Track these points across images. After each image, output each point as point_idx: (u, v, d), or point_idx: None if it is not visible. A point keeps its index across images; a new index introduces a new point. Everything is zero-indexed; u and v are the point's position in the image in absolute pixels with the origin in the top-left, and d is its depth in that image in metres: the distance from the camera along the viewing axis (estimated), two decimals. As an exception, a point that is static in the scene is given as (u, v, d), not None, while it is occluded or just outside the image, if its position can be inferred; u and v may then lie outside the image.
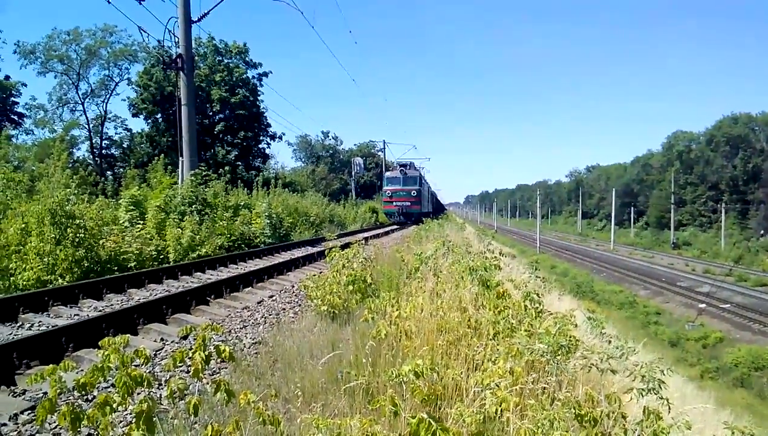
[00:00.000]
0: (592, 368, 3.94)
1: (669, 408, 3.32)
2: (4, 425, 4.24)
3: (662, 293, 44.12)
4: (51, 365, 2.82)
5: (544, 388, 3.84)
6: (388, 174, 46.23)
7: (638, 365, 3.56)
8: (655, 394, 3.35)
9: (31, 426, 4.19)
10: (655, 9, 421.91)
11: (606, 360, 3.92)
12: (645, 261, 65.17)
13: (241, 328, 7.52)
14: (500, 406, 3.27)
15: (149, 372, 5.09)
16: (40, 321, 7.50)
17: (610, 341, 5.24)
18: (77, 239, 11.35)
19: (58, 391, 2.77)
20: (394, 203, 42.95)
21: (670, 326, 34.21)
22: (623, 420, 3.26)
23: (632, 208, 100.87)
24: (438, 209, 79.24)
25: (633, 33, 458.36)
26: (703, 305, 36.62)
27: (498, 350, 4.22)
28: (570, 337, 4.17)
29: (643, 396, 3.39)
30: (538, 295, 5.61)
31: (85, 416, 2.68)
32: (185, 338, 6.58)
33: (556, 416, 3.00)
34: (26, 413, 4.42)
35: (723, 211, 76.71)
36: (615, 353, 4.18)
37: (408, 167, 45.66)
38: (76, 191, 13.96)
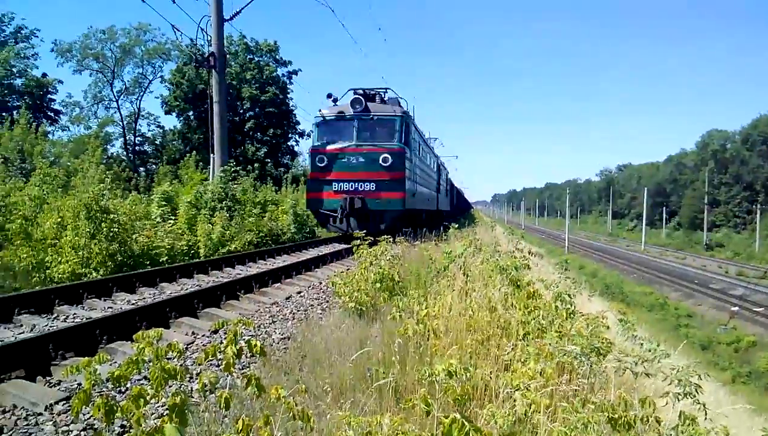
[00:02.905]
0: (625, 371, 3.87)
1: (705, 413, 3.25)
2: (40, 414, 4.34)
3: (694, 295, 43.28)
4: (86, 358, 2.86)
5: (576, 390, 3.79)
6: (325, 112, 19.10)
7: (674, 369, 3.49)
8: (692, 398, 3.28)
9: (66, 416, 4.27)
10: (692, 7, 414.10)
11: (641, 363, 3.85)
12: (676, 262, 64.00)
13: (270, 323, 7.57)
14: (530, 408, 3.24)
15: (181, 365, 5.15)
16: (74, 313, 7.64)
17: (642, 344, 5.16)
18: (111, 234, 11.55)
19: (93, 383, 2.81)
20: (333, 186, 18.12)
21: (702, 329, 33.55)
22: (658, 424, 3.20)
23: (664, 208, 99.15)
24: (461, 208, 68.39)
25: (668, 30, 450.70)
26: (736, 308, 35.81)
27: (528, 350, 4.18)
28: (603, 339, 4.11)
29: (679, 400, 3.32)
30: (569, 296, 5.54)
31: (119, 408, 2.72)
32: (216, 332, 6.65)
33: (590, 419, 2.96)
34: (61, 403, 4.51)
35: (758, 212, 74.91)
36: (648, 356, 4.11)
37: (374, 99, 19.75)
38: (110, 186, 14.22)
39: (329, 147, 18.17)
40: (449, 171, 47.57)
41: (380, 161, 17.50)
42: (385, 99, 20.32)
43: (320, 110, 19.17)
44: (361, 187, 17.70)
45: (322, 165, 17.96)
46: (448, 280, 7.14)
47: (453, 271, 7.57)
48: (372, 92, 19.80)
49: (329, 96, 19.58)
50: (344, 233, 18.02)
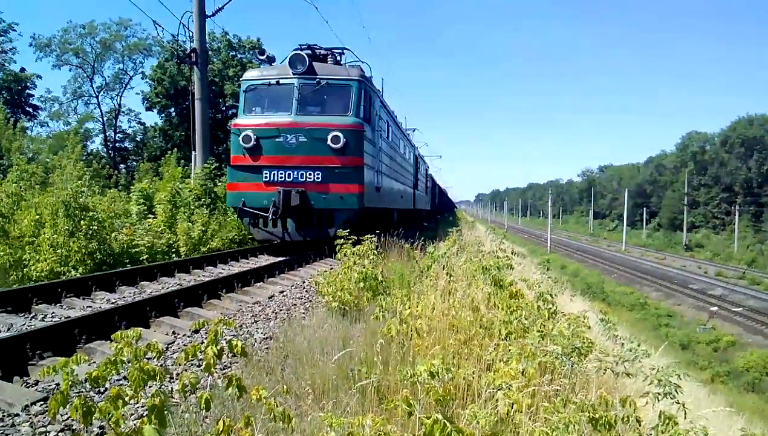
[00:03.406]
0: (606, 371, 3.90)
1: (685, 413, 3.28)
2: (17, 415, 4.26)
3: (674, 295, 43.85)
4: (63, 358, 2.81)
5: (557, 390, 3.80)
6: (254, 74, 14.69)
7: (654, 369, 3.52)
8: (672, 398, 3.31)
9: (43, 417, 4.20)
10: (671, 8, 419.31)
11: (621, 363, 3.88)
12: (657, 263, 64.77)
13: (252, 323, 7.52)
14: (512, 407, 3.25)
15: (161, 366, 5.10)
16: (53, 312, 7.53)
17: (623, 344, 5.20)
18: (90, 231, 11.42)
19: (70, 383, 2.77)
20: (263, 175, 13.49)
21: (682, 329, 33.99)
22: (638, 424, 3.22)
23: (645, 209, 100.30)
24: (444, 207, 66.21)
25: (648, 32, 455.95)
26: (715, 308, 36.32)
27: (510, 350, 4.19)
28: (584, 339, 4.14)
29: (658, 400, 3.35)
30: (551, 295, 5.57)
31: (97, 409, 2.68)
32: (197, 331, 6.58)
33: (571, 419, 2.97)
34: (39, 404, 4.43)
35: (737, 213, 76.08)
36: (629, 356, 4.14)
37: (325, 59, 15.00)
38: (89, 183, 14.05)
39: (259, 121, 13.70)
40: (429, 166, 43.36)
41: (329, 142, 13.17)
42: (341, 62, 15.45)
43: (248, 72, 15.08)
44: (301, 177, 13.31)
45: (249, 146, 13.41)
46: (432, 280, 7.13)
47: (436, 271, 7.57)
48: (323, 52, 15.06)
49: (262, 53, 15.58)
50: (280, 240, 13.96)
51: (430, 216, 39.41)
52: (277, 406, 2.91)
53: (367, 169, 13.97)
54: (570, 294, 13.67)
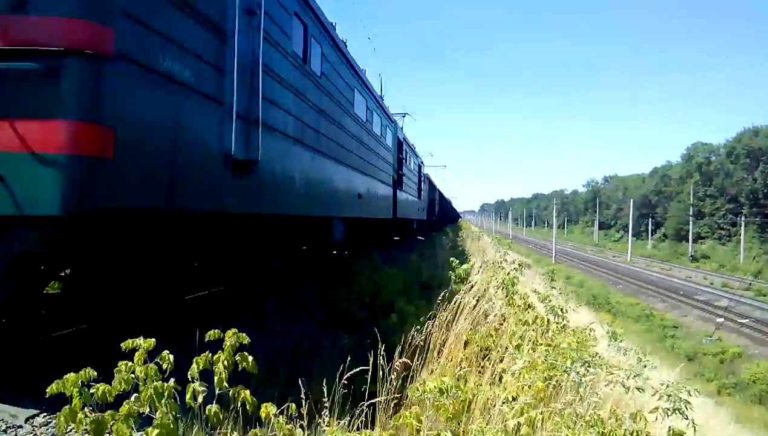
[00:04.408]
0: (616, 384, 3.88)
1: (695, 429, 3.26)
2: (20, 427, 4.25)
3: (679, 306, 43.58)
4: (72, 374, 2.81)
5: (566, 404, 3.78)
6: None
7: (663, 384, 3.50)
8: (681, 414, 3.29)
9: (47, 429, 4.19)
10: (676, 18, 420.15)
11: (632, 377, 3.86)
12: (662, 273, 64.45)
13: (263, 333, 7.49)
14: (520, 421, 3.23)
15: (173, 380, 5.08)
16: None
17: (625, 353, 5.19)
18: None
19: (83, 403, 2.77)
20: None
21: (688, 340, 33.77)
22: (648, 440, 3.20)
23: (650, 219, 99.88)
24: (445, 218, 57.42)
25: (654, 42, 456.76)
26: (721, 320, 36.05)
27: (518, 363, 4.17)
28: (593, 354, 4.12)
29: (668, 416, 3.33)
30: (562, 310, 5.55)
31: (108, 428, 2.68)
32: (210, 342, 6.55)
33: (579, 434, 2.96)
34: (42, 415, 4.41)
35: (742, 224, 75.70)
36: (638, 369, 4.13)
37: None
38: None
39: None
40: (423, 161, 33.73)
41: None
42: None
43: None
44: None
45: None
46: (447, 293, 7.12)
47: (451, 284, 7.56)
48: None
49: None
50: None
51: (426, 229, 31.47)
52: (286, 423, 2.91)
53: (140, 72, 4.55)
54: (575, 305, 13.61)
